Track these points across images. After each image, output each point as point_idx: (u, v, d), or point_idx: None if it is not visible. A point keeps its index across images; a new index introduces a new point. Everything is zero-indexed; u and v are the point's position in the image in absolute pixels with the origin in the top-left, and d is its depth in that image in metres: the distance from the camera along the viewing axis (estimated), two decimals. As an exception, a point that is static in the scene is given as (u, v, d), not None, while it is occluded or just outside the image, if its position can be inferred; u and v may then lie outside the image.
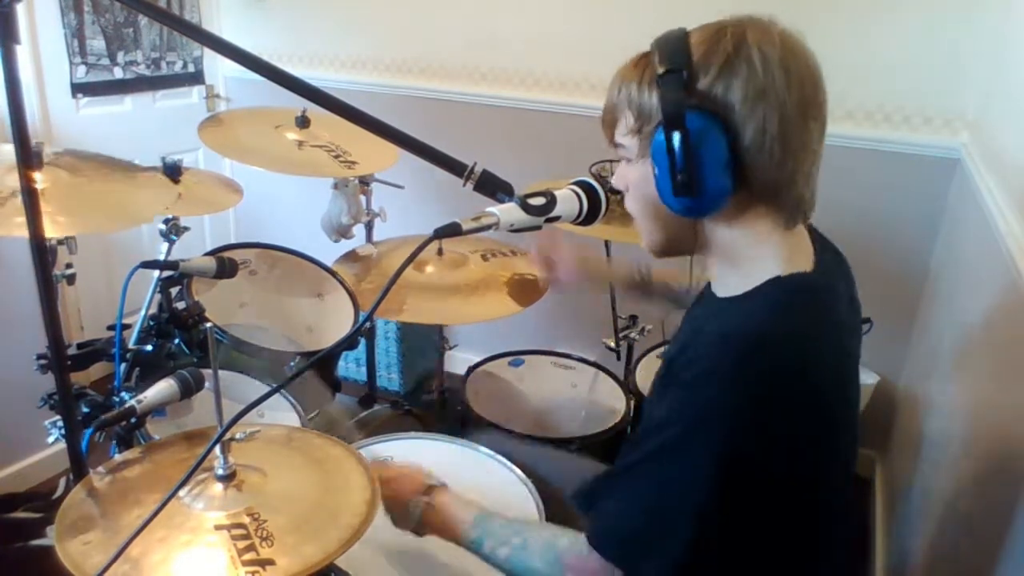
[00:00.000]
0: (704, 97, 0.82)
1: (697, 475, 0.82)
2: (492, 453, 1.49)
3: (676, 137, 0.82)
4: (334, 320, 1.92)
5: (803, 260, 0.91)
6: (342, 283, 1.94)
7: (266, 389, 1.57)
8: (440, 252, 2.00)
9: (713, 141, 0.81)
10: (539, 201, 1.03)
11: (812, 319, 0.86)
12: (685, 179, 0.83)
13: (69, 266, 1.50)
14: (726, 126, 0.81)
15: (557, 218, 1.06)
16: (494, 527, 1.03)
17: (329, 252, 2.09)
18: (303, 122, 1.96)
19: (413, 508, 1.08)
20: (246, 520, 0.98)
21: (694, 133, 0.81)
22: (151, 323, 1.59)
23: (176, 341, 1.63)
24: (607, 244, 2.15)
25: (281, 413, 1.59)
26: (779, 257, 0.89)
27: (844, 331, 0.92)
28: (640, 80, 0.87)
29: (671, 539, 0.84)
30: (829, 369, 0.86)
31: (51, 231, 1.26)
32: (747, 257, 0.90)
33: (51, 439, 1.32)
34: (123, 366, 1.50)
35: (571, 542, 0.94)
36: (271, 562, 0.91)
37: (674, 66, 0.83)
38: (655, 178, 0.87)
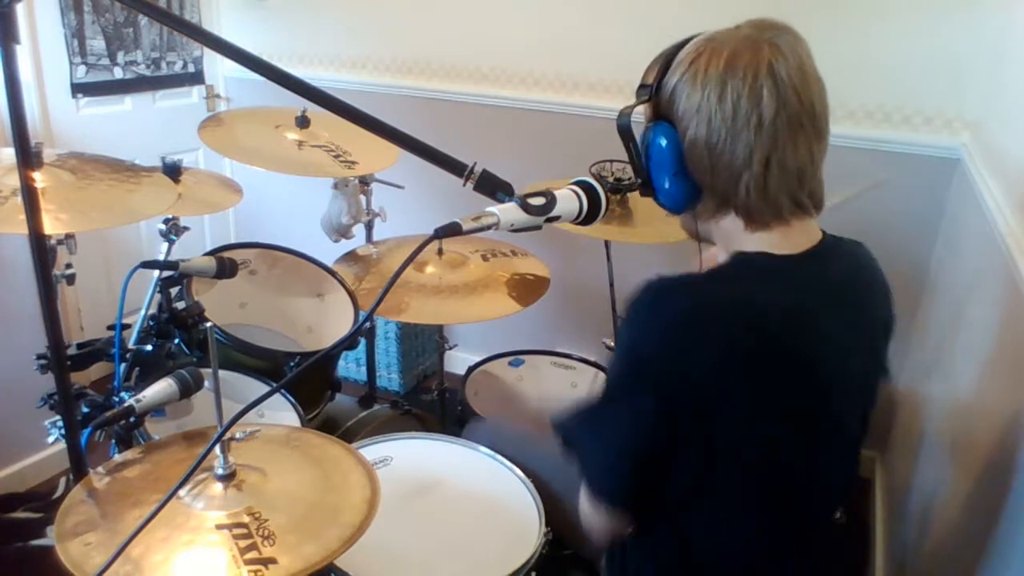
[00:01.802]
0: (660, 109, 0.93)
1: (623, 416, 0.89)
2: (492, 453, 1.49)
3: (631, 145, 0.95)
4: (334, 320, 1.92)
5: (789, 246, 0.95)
6: (342, 283, 1.94)
7: (266, 389, 1.58)
8: (440, 252, 2.00)
9: (662, 148, 0.92)
10: (539, 201, 1.03)
11: (754, 280, 0.91)
12: (643, 181, 0.97)
13: (69, 266, 1.50)
14: (674, 135, 0.91)
15: (557, 218, 1.06)
16: None
17: (329, 252, 2.09)
18: (303, 122, 1.96)
19: None
20: (247, 519, 0.98)
21: (647, 141, 0.94)
22: (151, 323, 1.59)
23: (176, 341, 1.63)
24: (607, 244, 2.16)
25: (281, 413, 1.59)
26: (764, 245, 0.94)
27: (813, 308, 0.92)
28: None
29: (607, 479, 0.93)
30: (765, 321, 0.87)
31: (52, 228, 1.26)
32: (735, 246, 0.96)
33: (51, 439, 1.32)
34: (123, 366, 1.50)
35: None
36: (273, 561, 0.91)
37: (645, 81, 0.95)
38: None
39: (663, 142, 0.92)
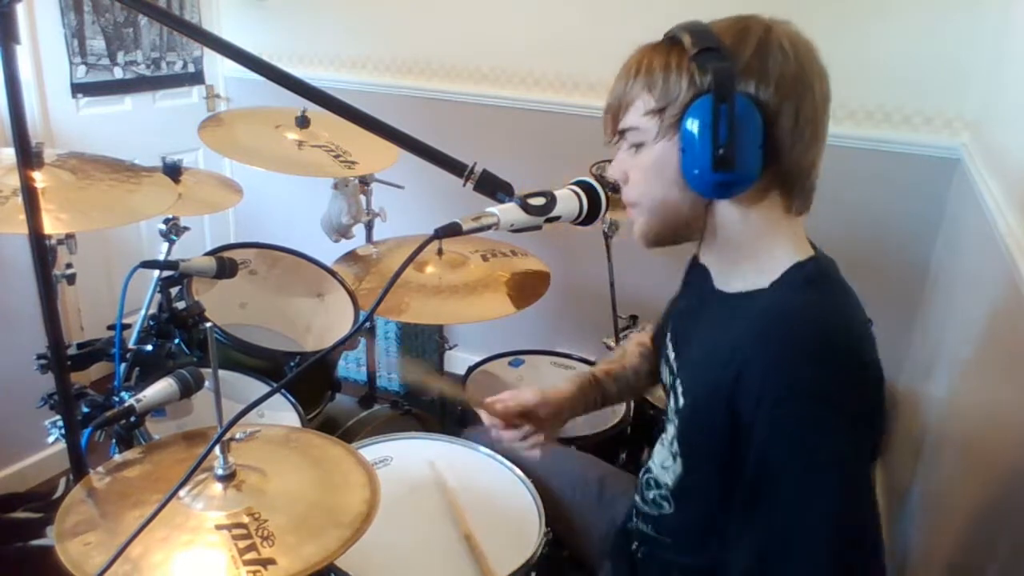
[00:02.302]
0: (741, 78, 0.84)
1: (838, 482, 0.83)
2: (492, 453, 1.49)
3: (724, 110, 0.83)
4: (334, 320, 1.92)
5: (808, 248, 0.96)
6: (342, 283, 1.94)
7: (266, 389, 1.58)
8: (440, 252, 2.00)
9: (752, 120, 0.84)
10: (539, 201, 1.03)
11: (842, 296, 0.92)
12: (726, 154, 0.83)
13: (69, 266, 1.50)
14: (763, 108, 0.84)
15: (557, 218, 1.06)
16: None
17: (329, 252, 2.09)
18: (303, 122, 1.95)
19: None
20: (246, 520, 0.98)
21: (737, 109, 0.83)
22: (151, 323, 1.59)
23: (176, 341, 1.63)
24: (607, 244, 2.16)
25: (281, 413, 1.59)
26: (789, 245, 0.93)
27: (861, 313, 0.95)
28: (666, 63, 0.88)
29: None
30: (864, 341, 0.89)
31: (52, 228, 1.26)
32: (760, 247, 0.93)
33: (51, 439, 1.32)
34: (123, 366, 1.49)
35: None
36: (272, 561, 0.91)
37: (711, 45, 0.85)
38: (682, 157, 0.88)
39: (752, 113, 0.83)
